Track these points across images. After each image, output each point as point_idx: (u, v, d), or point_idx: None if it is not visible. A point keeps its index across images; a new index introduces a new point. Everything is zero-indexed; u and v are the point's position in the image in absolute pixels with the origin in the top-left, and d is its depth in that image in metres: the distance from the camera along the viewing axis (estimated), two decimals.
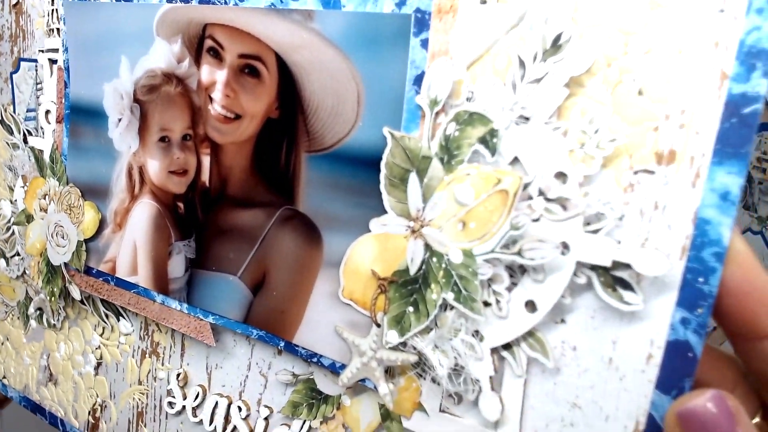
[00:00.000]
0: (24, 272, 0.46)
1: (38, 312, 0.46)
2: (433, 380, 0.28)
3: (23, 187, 0.45)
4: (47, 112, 0.42)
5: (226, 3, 0.32)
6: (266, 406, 0.35)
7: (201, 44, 0.33)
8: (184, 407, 0.39)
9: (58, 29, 0.41)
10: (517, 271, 0.26)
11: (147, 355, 0.41)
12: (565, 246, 0.24)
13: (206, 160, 0.34)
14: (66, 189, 0.41)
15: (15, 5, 0.44)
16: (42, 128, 0.43)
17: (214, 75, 0.33)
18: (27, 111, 0.44)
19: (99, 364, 0.44)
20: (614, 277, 0.24)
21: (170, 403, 0.39)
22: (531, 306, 0.25)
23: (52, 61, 0.42)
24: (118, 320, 0.42)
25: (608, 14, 0.23)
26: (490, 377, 0.27)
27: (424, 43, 0.27)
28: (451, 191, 0.26)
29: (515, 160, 0.25)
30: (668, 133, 0.23)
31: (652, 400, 0.24)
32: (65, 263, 0.42)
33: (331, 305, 0.31)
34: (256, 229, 0.33)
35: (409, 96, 0.27)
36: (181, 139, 0.35)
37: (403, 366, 0.29)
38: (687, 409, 0.22)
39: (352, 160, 0.29)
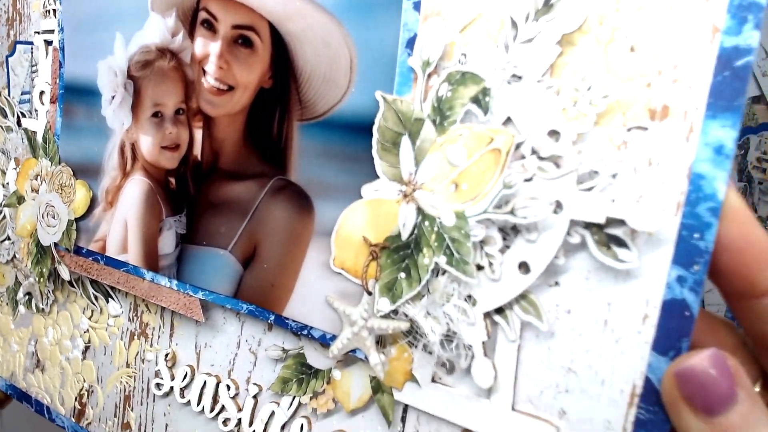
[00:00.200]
0: (14, 257, 0.46)
1: (27, 297, 0.46)
2: (425, 347, 0.28)
3: (15, 169, 0.44)
4: (41, 93, 0.42)
5: None
6: (255, 384, 0.34)
7: (195, 17, 0.33)
8: (171, 388, 0.38)
9: (54, 10, 0.41)
10: (510, 233, 0.25)
11: (135, 337, 0.40)
12: (559, 204, 0.24)
13: (198, 134, 0.34)
14: (58, 169, 0.41)
15: None
16: (36, 110, 0.43)
17: (207, 47, 0.33)
18: (21, 94, 0.44)
19: (87, 348, 0.43)
20: (608, 235, 0.23)
21: (158, 385, 0.38)
22: (524, 268, 0.25)
23: (48, 43, 0.42)
24: (107, 302, 0.41)
25: None
26: (483, 343, 0.26)
27: (417, 6, 0.27)
28: (444, 153, 0.26)
29: (508, 120, 0.25)
30: (661, 89, 0.23)
31: (649, 362, 0.23)
32: (55, 243, 0.41)
33: (322, 275, 0.30)
34: (247, 202, 0.32)
35: (402, 59, 0.27)
36: (174, 113, 0.35)
37: (394, 334, 0.28)
38: (685, 369, 0.22)
39: (344, 127, 0.29)
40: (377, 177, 0.28)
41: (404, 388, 0.29)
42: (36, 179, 0.42)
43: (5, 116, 0.45)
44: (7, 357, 0.48)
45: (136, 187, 0.37)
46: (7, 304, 0.48)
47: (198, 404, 0.36)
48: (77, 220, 0.40)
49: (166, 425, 0.39)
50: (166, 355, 0.38)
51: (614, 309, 0.24)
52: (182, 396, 0.37)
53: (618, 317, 0.24)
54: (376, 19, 0.27)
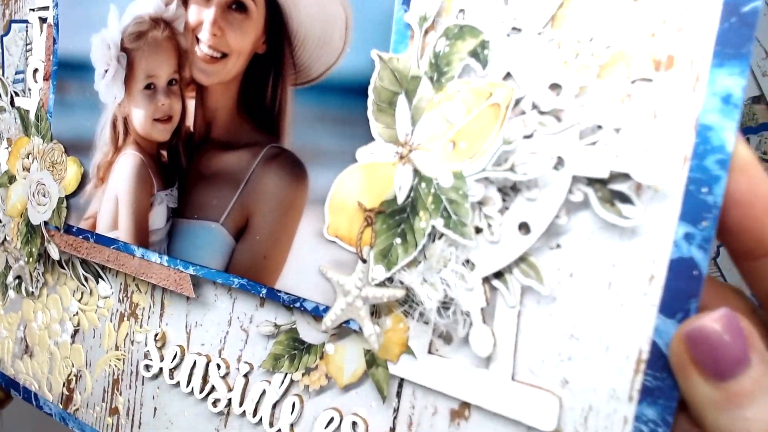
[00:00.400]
0: (4, 240, 0.45)
1: (17, 281, 0.45)
2: (421, 316, 0.27)
3: (8, 149, 0.44)
4: (35, 71, 0.42)
5: None
6: (246, 363, 0.33)
7: None
8: (161, 370, 0.37)
9: None
10: (509, 193, 0.24)
11: (125, 318, 0.39)
12: (560, 160, 0.23)
13: (191, 104, 0.34)
14: (50, 146, 0.40)
15: None
16: (30, 89, 0.42)
17: (201, 14, 0.32)
18: (15, 74, 0.43)
19: (76, 332, 0.42)
20: (612, 191, 0.22)
21: (147, 366, 0.37)
22: (524, 228, 0.24)
23: (43, 20, 0.41)
24: (97, 282, 0.40)
25: None
26: (482, 309, 0.25)
27: None
28: (441, 110, 0.25)
29: (508, 75, 0.24)
30: (666, 38, 0.22)
31: (656, 326, 0.22)
32: (45, 222, 0.40)
33: (315, 245, 0.29)
34: (240, 172, 0.31)
35: (398, 16, 0.26)
36: (167, 84, 0.34)
37: (389, 304, 0.27)
38: (694, 330, 0.21)
39: (339, 90, 0.28)
40: (373, 140, 0.27)
41: (399, 361, 0.28)
42: (28, 158, 0.41)
43: None
44: None
45: (128, 161, 0.36)
46: None
47: (187, 385, 0.35)
48: (68, 197, 0.39)
49: (155, 409, 0.38)
50: (156, 336, 0.37)
51: (619, 270, 0.23)
52: (171, 377, 0.36)
53: (623, 279, 0.23)
54: None
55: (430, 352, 0.27)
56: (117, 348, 0.40)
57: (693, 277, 0.22)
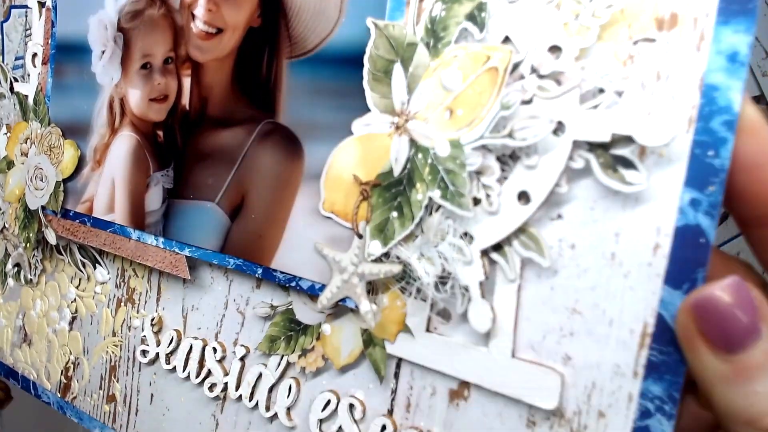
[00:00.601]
0: (4, 227, 0.45)
1: (16, 268, 0.44)
2: (419, 291, 0.26)
3: (6, 134, 0.43)
4: (34, 55, 0.41)
5: None
6: (243, 346, 0.32)
7: None
8: (157, 355, 0.36)
9: None
10: (508, 162, 0.23)
11: (122, 303, 0.39)
12: (560, 125, 0.22)
13: (187, 82, 0.33)
14: (47, 130, 0.39)
15: None
16: (29, 74, 0.42)
17: None
18: (15, 60, 0.43)
19: (74, 319, 0.42)
20: (614, 157, 0.22)
21: (143, 352, 0.37)
22: (524, 198, 0.23)
23: (41, 5, 0.41)
24: (95, 268, 0.40)
25: None
26: (480, 284, 0.24)
27: None
28: (438, 77, 0.24)
29: (506, 40, 0.23)
30: None
31: (661, 298, 0.21)
32: (42, 207, 0.40)
33: (311, 222, 0.28)
34: (235, 149, 0.31)
35: None
36: (163, 63, 0.34)
37: (386, 280, 0.27)
38: (702, 300, 0.20)
39: (334, 61, 0.27)
40: (369, 111, 0.26)
41: (397, 340, 0.27)
42: (26, 143, 0.41)
43: None
44: None
45: (124, 142, 0.36)
46: None
47: (184, 370, 0.35)
48: (65, 181, 0.39)
49: (152, 395, 0.37)
50: (152, 320, 0.36)
51: (622, 240, 0.22)
52: (168, 362, 0.35)
53: (626, 249, 0.22)
54: None
55: (428, 330, 0.26)
56: (114, 334, 0.39)
57: (700, 245, 0.21)
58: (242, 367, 0.32)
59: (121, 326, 0.39)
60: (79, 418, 0.41)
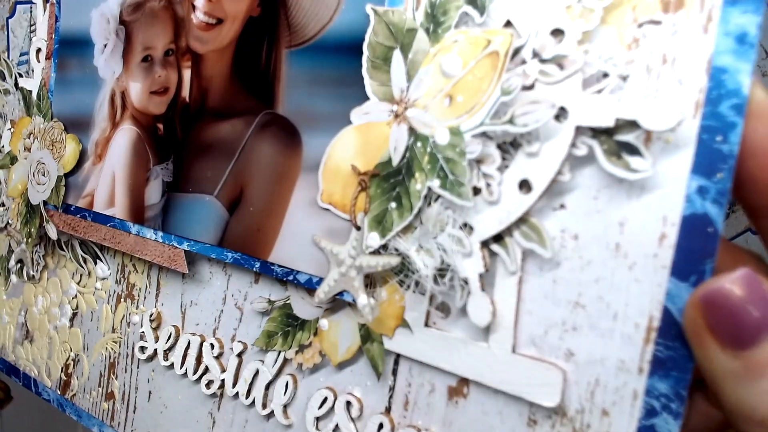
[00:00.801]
0: (7, 224, 0.45)
1: (19, 265, 0.44)
2: (417, 285, 0.25)
3: (10, 129, 0.43)
4: (38, 50, 0.41)
5: None
6: (240, 342, 0.32)
7: None
8: (155, 351, 0.36)
9: None
10: (509, 150, 0.23)
11: (122, 299, 0.38)
12: (563, 110, 0.21)
13: (187, 74, 0.33)
14: (50, 125, 0.39)
15: None
16: (33, 69, 0.42)
17: None
18: (20, 55, 0.43)
19: (74, 315, 0.41)
20: (619, 143, 0.21)
21: (142, 348, 0.36)
22: (526, 187, 0.22)
23: (46, 0, 0.41)
24: (96, 264, 0.40)
25: None
26: (480, 276, 0.23)
27: None
28: (437, 63, 0.24)
29: (507, 24, 0.23)
30: None
31: (668, 290, 0.20)
32: (44, 202, 0.40)
33: (309, 214, 0.28)
34: (234, 141, 0.30)
35: None
36: (163, 55, 0.34)
37: (384, 274, 0.26)
38: (711, 293, 0.19)
39: (334, 49, 0.27)
40: (368, 100, 0.26)
41: (395, 336, 0.26)
42: (29, 137, 0.41)
43: (3, 79, 0.44)
44: None
45: (124, 136, 0.35)
46: (0, 274, 0.47)
47: (181, 366, 0.34)
48: (66, 176, 0.39)
49: (150, 393, 0.37)
50: (151, 316, 0.36)
51: (627, 230, 0.21)
52: (166, 359, 0.35)
53: (631, 240, 0.21)
54: None
55: (426, 325, 0.26)
56: (114, 330, 0.39)
57: (708, 235, 0.20)
58: (239, 364, 0.32)
59: (121, 322, 0.38)
60: (78, 416, 0.41)
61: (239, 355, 0.32)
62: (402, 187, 0.25)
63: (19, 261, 0.44)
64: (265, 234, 0.29)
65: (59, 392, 0.42)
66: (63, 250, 0.41)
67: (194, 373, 0.34)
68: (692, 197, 0.20)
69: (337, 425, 0.28)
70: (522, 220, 0.23)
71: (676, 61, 0.20)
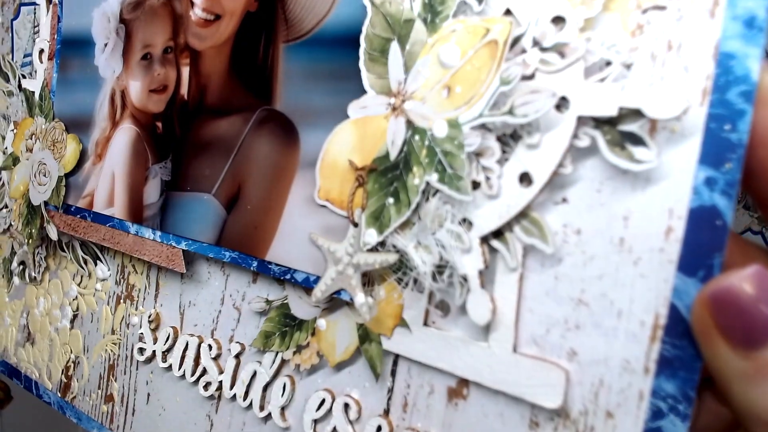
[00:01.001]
0: (10, 226, 0.45)
1: (21, 267, 0.44)
2: (416, 282, 0.24)
3: (13, 131, 0.43)
4: (41, 51, 0.42)
5: None
6: (238, 343, 0.31)
7: None
8: (154, 353, 0.35)
9: None
10: (509, 142, 0.22)
11: (122, 300, 0.38)
12: (564, 100, 0.21)
13: (186, 72, 0.32)
14: (51, 125, 0.39)
15: None
16: (36, 70, 0.42)
17: None
18: (24, 57, 0.43)
19: (75, 317, 0.41)
20: (622, 133, 0.20)
21: (141, 350, 0.36)
22: (526, 180, 0.22)
23: (49, 1, 0.41)
24: (96, 265, 0.39)
25: None
26: (480, 273, 0.23)
27: None
28: (435, 54, 0.23)
29: (507, 12, 0.22)
30: None
31: (675, 286, 0.19)
32: (45, 203, 0.40)
33: (306, 212, 0.27)
34: (232, 139, 0.30)
35: None
36: (162, 53, 0.34)
37: (382, 271, 0.25)
38: (720, 291, 0.18)
39: (331, 42, 0.26)
40: (365, 93, 0.25)
41: (394, 335, 0.25)
42: (31, 138, 0.41)
43: (7, 80, 0.44)
44: (0, 332, 0.47)
45: (124, 135, 0.35)
46: (2, 276, 0.47)
47: (179, 368, 0.34)
48: (67, 176, 0.39)
49: (148, 395, 0.36)
50: (150, 317, 0.35)
51: (632, 224, 0.20)
52: (164, 360, 0.34)
53: (636, 234, 0.20)
54: None
55: (425, 324, 0.25)
56: (113, 332, 0.38)
57: (716, 228, 0.19)
58: (237, 365, 0.31)
59: (120, 323, 0.38)
60: (78, 419, 0.40)
61: (237, 356, 0.31)
62: (400, 182, 0.24)
63: (22, 263, 0.44)
64: (262, 232, 0.29)
65: (60, 395, 0.42)
66: (64, 251, 0.41)
67: (192, 374, 0.33)
68: (699, 189, 0.19)
69: (335, 428, 0.27)
70: (522, 215, 0.22)
71: (682, 48, 0.19)
